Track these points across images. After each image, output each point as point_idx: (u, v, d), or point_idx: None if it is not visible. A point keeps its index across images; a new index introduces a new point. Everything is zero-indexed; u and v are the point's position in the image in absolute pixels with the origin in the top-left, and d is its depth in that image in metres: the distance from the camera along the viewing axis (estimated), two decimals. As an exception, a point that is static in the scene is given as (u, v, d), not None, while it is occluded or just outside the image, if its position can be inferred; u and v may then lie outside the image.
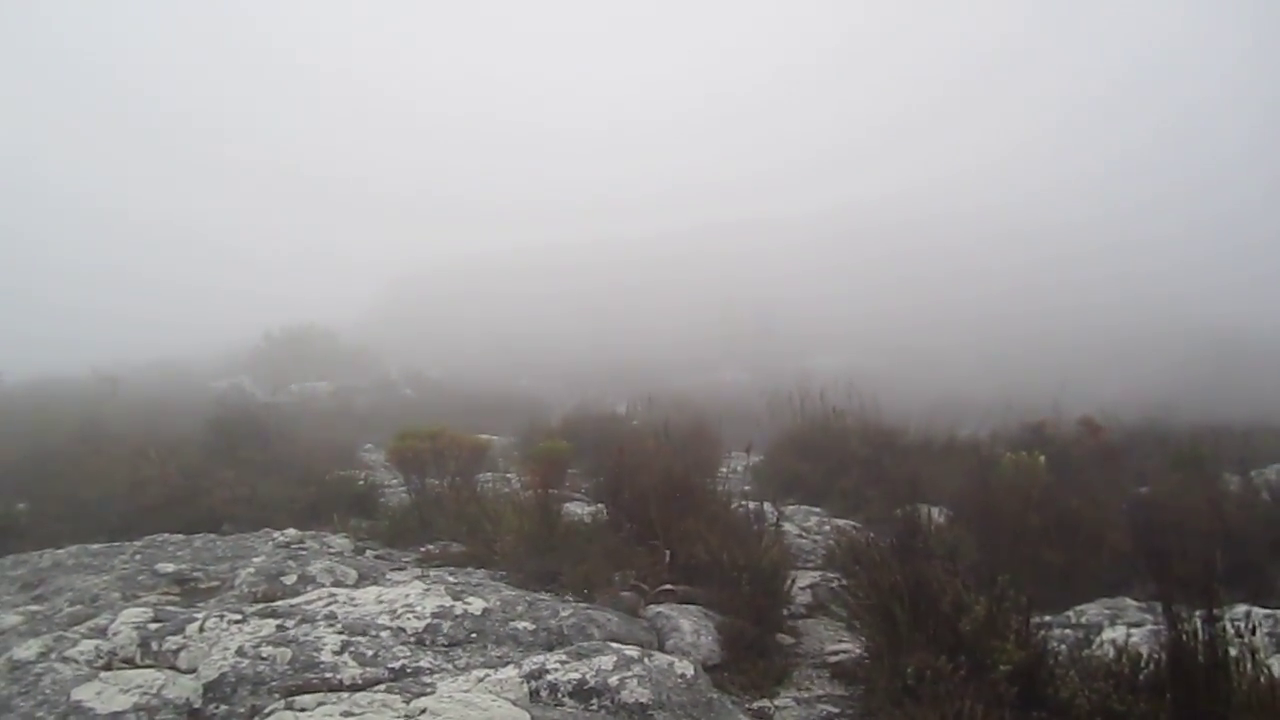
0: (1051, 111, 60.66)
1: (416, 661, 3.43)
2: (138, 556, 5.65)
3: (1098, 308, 30.93)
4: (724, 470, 7.35)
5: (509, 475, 7.46)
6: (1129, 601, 4.46)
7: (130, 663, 3.60)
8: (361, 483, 7.39)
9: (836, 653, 4.24)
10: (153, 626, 3.83)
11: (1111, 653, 3.36)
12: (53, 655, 3.61)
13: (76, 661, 3.56)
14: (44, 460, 8.72)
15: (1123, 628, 3.98)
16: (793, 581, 4.72)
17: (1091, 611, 4.34)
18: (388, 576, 4.89)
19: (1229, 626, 3.08)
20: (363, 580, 4.83)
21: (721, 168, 61.94)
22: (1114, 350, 24.10)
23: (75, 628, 4.01)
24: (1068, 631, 4.05)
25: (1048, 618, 4.20)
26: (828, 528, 6.49)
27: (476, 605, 3.94)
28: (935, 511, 5.94)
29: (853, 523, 6.47)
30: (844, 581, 4.85)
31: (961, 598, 3.52)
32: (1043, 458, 6.41)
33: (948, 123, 64.82)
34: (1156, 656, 3.18)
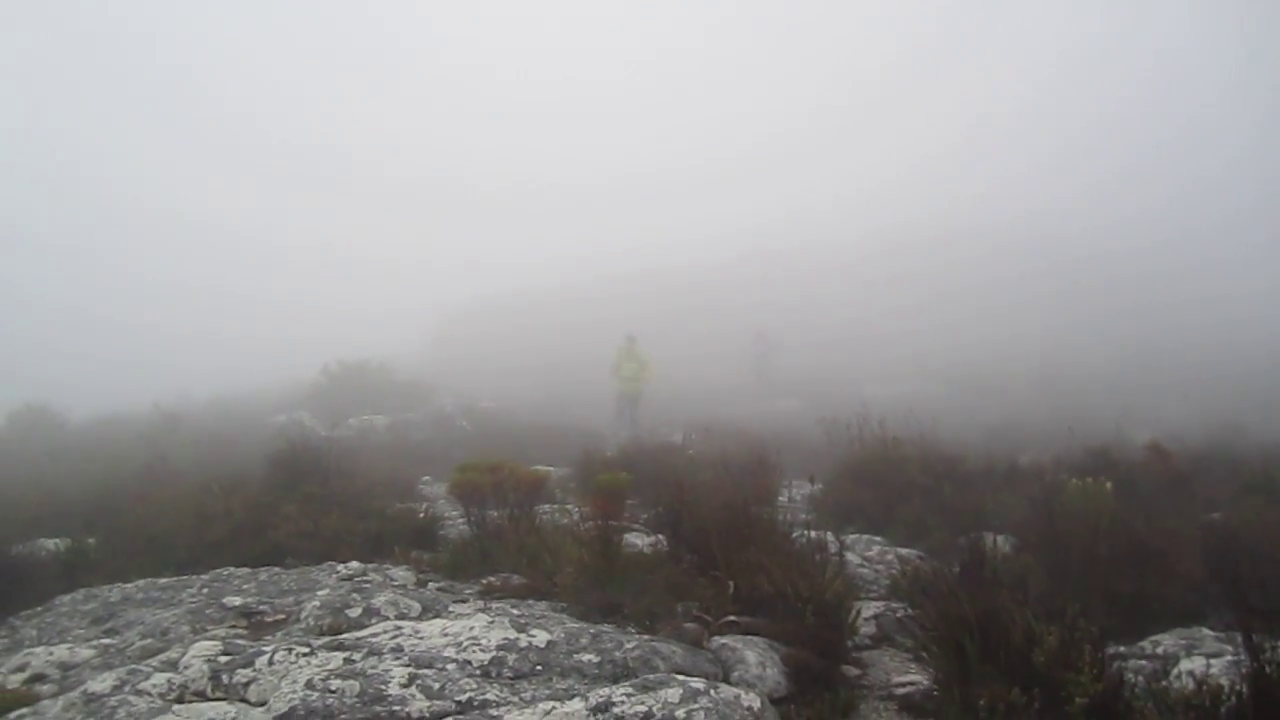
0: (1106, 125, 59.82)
1: (483, 694, 3.44)
2: (205, 590, 5.74)
3: (1157, 327, 30.39)
4: (783, 499, 7.30)
5: (568, 507, 7.48)
6: (1205, 631, 4.34)
7: (202, 695, 3.65)
8: (422, 515, 7.44)
9: (904, 685, 4.18)
10: (223, 659, 3.88)
11: (1190, 685, 3.27)
12: (126, 688, 3.67)
13: (150, 694, 3.61)
14: (111, 495, 8.90)
15: (1200, 659, 3.87)
16: (857, 613, 4.66)
17: (1166, 642, 4.23)
18: (451, 609, 4.91)
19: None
20: (426, 613, 4.84)
21: (770, 201, 61.73)
22: (1176, 371, 23.60)
23: (147, 661, 4.07)
24: (1142, 663, 3.96)
25: (1121, 648, 4.12)
26: (890, 557, 6.41)
27: (541, 638, 3.94)
28: (1000, 540, 5.86)
29: (916, 552, 6.38)
30: (909, 612, 4.79)
31: (1032, 628, 3.46)
32: (1109, 484, 6.29)
33: (994, 145, 64.20)
34: (1239, 689, 3.10)
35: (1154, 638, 4.30)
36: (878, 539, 6.92)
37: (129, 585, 6.13)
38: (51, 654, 4.54)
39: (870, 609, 5.19)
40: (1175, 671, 3.72)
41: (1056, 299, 36.05)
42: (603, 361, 22.93)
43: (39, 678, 4.31)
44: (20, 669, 4.40)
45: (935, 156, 62.99)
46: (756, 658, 3.99)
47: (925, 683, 4.01)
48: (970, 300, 37.00)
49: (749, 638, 4.26)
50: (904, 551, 6.43)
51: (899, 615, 4.98)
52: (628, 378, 19.63)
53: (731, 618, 4.52)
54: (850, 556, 6.01)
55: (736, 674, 3.89)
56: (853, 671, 4.38)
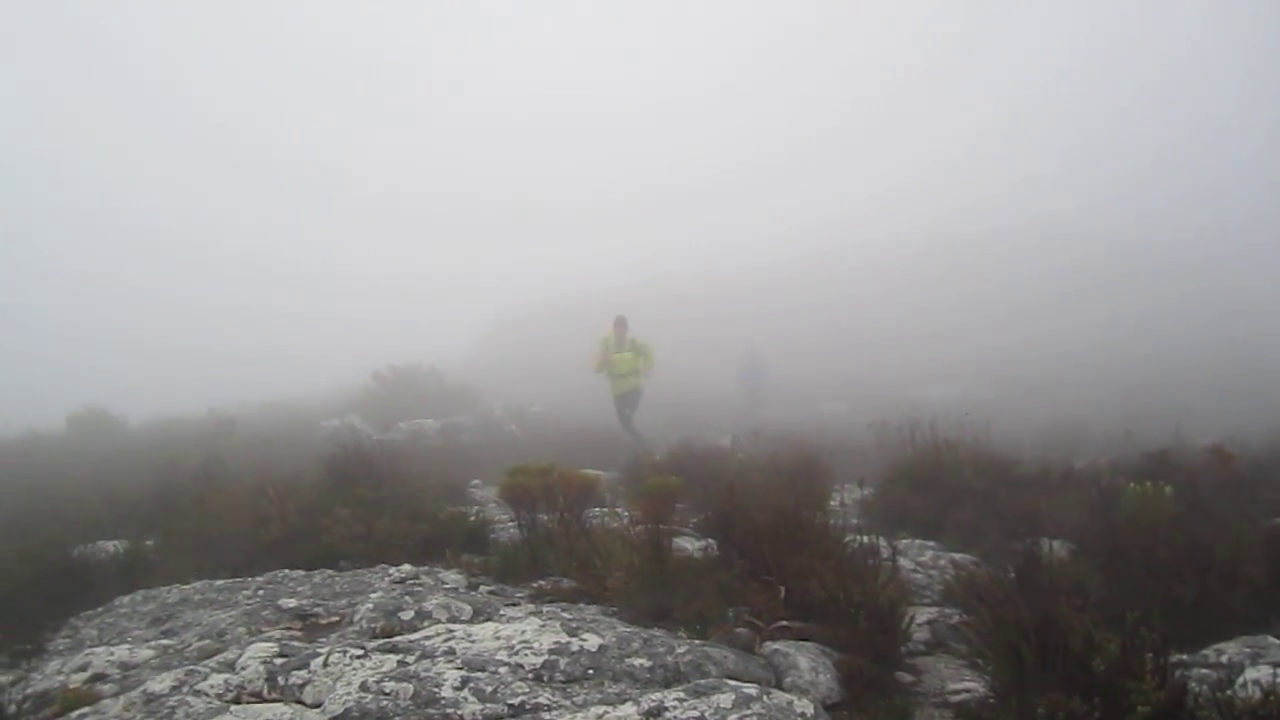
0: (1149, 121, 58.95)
1: (535, 698, 3.44)
2: (260, 592, 5.80)
3: (1214, 327, 29.82)
4: (833, 504, 7.25)
5: (618, 511, 7.47)
6: (1271, 640, 4.23)
7: (258, 696, 3.69)
8: (472, 519, 7.48)
9: (959, 691, 4.12)
10: (279, 661, 3.92)
11: (1257, 694, 3.19)
12: (185, 689, 3.72)
13: (208, 695, 3.66)
14: (168, 498, 9.04)
15: (1267, 667, 3.77)
16: (911, 618, 4.61)
17: (1231, 650, 4.13)
18: (502, 612, 4.93)
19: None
20: (478, 616, 4.87)
21: (820, 199, 61.58)
22: (1235, 373, 23.11)
23: (205, 662, 4.13)
24: (1206, 671, 3.86)
25: (1184, 656, 4.03)
26: (943, 562, 6.34)
27: (592, 642, 3.94)
28: (1056, 545, 5.77)
29: (969, 557, 6.30)
30: (964, 618, 4.73)
31: (1092, 635, 3.39)
32: (1169, 488, 6.17)
33: (1040, 133, 63.49)
34: (1308, 698, 3.02)
35: (1217, 646, 4.20)
36: (930, 544, 6.84)
37: (186, 587, 6.22)
38: (112, 654, 4.61)
39: (924, 614, 5.13)
40: (1240, 680, 3.62)
41: (1095, 296, 35.54)
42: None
43: (100, 677, 4.38)
44: (82, 668, 4.48)
45: (955, 158, 62.65)
46: (809, 663, 3.96)
47: (981, 690, 3.95)
48: (1010, 299, 36.62)
49: (801, 643, 4.23)
50: (957, 557, 6.35)
51: (953, 621, 4.92)
52: (622, 373, 15.75)
53: (783, 623, 4.49)
54: (903, 561, 5.94)
55: (789, 680, 3.86)
56: (906, 678, 4.33)
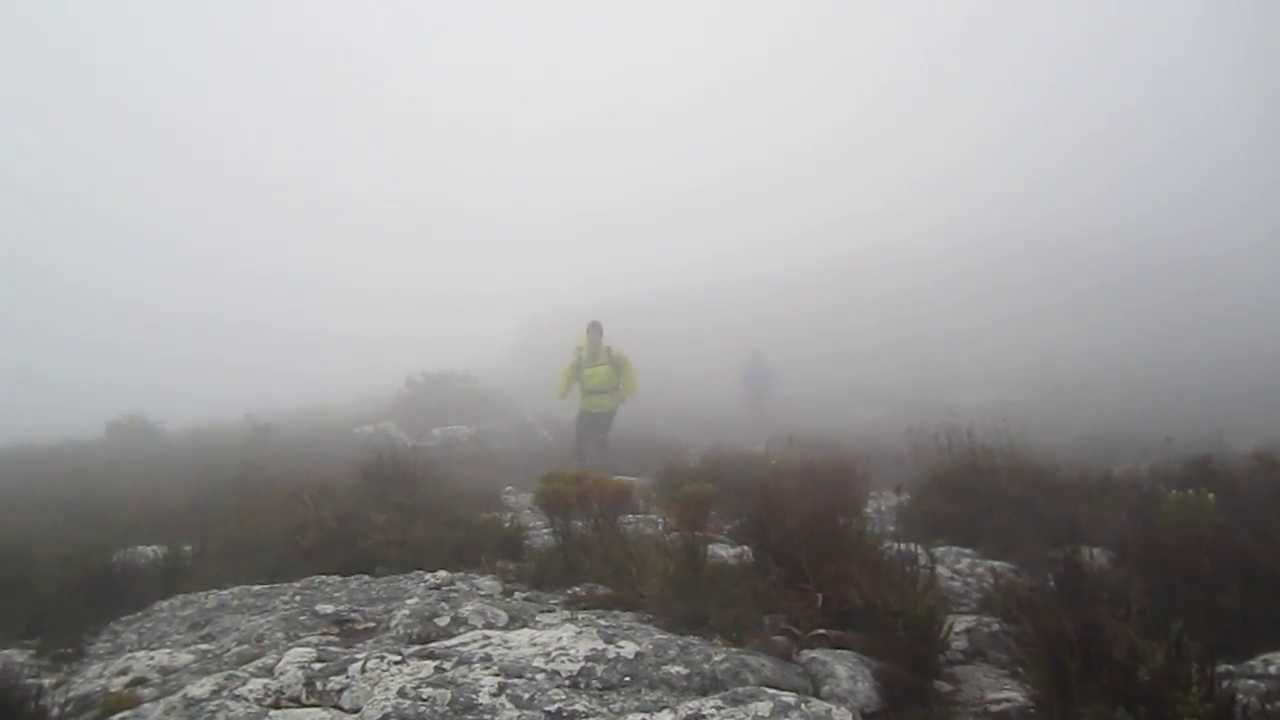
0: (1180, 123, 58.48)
1: (572, 705, 3.43)
2: (297, 598, 5.84)
3: (1254, 331, 29.40)
4: (869, 510, 7.20)
5: (652, 517, 7.46)
6: (1320, 650, 4.16)
7: (297, 701, 3.71)
8: (507, 525, 7.49)
9: (999, 701, 4.07)
10: (316, 666, 3.95)
11: (1307, 706, 3.14)
12: (224, 693, 3.74)
13: (247, 700, 3.68)
14: (206, 503, 9.13)
15: (1316, 678, 3.71)
16: (950, 627, 4.56)
17: (1279, 661, 4.07)
18: (537, 619, 4.93)
19: None
20: (513, 622, 4.87)
21: (837, 203, 61.48)
22: (1274, 374, 22.74)
23: (244, 666, 4.16)
24: (1253, 682, 3.80)
25: (1230, 667, 3.96)
26: (980, 570, 6.27)
27: (629, 649, 3.93)
28: (1096, 553, 5.70)
29: (1008, 565, 6.23)
30: (1004, 626, 4.68)
31: (1136, 644, 3.35)
32: (1211, 496, 6.07)
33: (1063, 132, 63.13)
34: (1359, 710, 2.96)
35: (1265, 656, 4.13)
36: (967, 551, 6.77)
37: (224, 592, 6.28)
38: (152, 658, 4.66)
39: (962, 623, 5.08)
40: (1289, 691, 3.56)
41: (1120, 296, 35.17)
42: (685, 374, 22.70)
43: (140, 681, 4.43)
44: (123, 672, 4.53)
45: (972, 158, 62.43)
46: (847, 672, 3.93)
47: (1021, 699, 3.90)
48: (1038, 300, 36.31)
49: (839, 651, 4.20)
50: (995, 564, 6.29)
51: (992, 629, 4.87)
52: (594, 389, 13.68)
53: (820, 631, 4.46)
54: (940, 569, 5.89)
55: (827, 688, 3.84)
56: (945, 687, 4.28)
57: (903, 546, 5.04)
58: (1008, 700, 4.03)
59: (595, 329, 13.71)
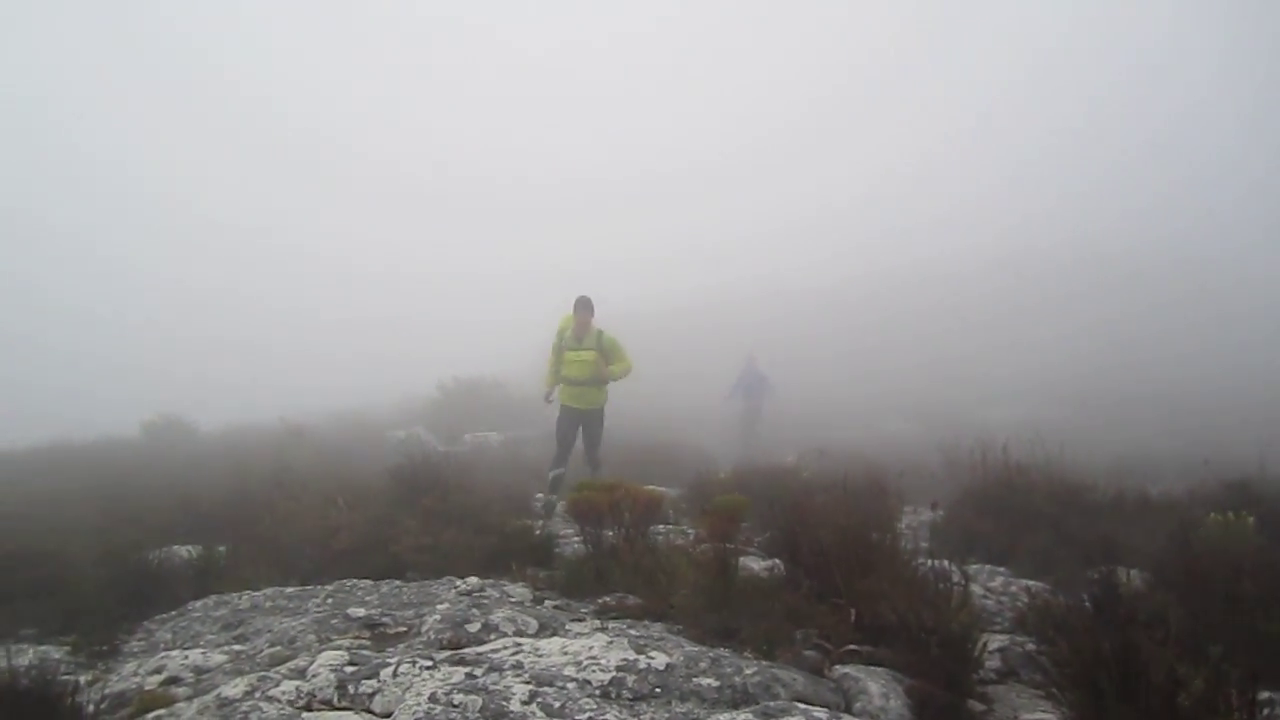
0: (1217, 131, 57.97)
1: (603, 714, 3.43)
2: (329, 601, 5.88)
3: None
4: (902, 526, 7.15)
5: (683, 528, 7.45)
6: (1364, 679, 4.08)
7: (329, 704, 3.73)
8: (538, 533, 7.51)
9: (1032, 722, 4.03)
10: (348, 670, 3.96)
11: (1351, 735, 3.08)
12: (257, 694, 3.77)
13: (279, 701, 3.71)
14: (240, 505, 9.20)
15: (1360, 708, 3.64)
16: (984, 645, 4.52)
17: (1321, 688, 3.99)
18: (568, 627, 4.93)
19: None
20: (543, 630, 4.87)
21: (886, 215, 61.30)
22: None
23: (276, 668, 4.19)
24: (1294, 710, 3.73)
25: (1270, 694, 3.89)
26: (1014, 589, 6.21)
27: (660, 660, 3.92)
28: (1133, 574, 5.63)
29: (1042, 585, 6.17)
30: (1038, 647, 4.63)
31: (1175, 668, 3.30)
32: (1251, 519, 5.99)
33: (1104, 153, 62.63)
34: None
35: (1308, 683, 4.06)
36: (1001, 570, 6.71)
37: (257, 593, 6.32)
38: (186, 658, 4.70)
39: (995, 642, 5.02)
40: (1332, 720, 3.50)
41: (1152, 312, 34.80)
42: (717, 383, 22.50)
43: (175, 680, 4.47)
44: (157, 671, 4.57)
45: (1008, 176, 62.13)
46: (879, 688, 3.90)
47: (1055, 721, 3.86)
48: (1073, 315, 35.99)
49: (871, 668, 4.17)
50: (1030, 584, 6.22)
51: (1027, 650, 4.82)
52: (579, 379, 10.88)
53: (853, 646, 4.43)
54: (973, 587, 5.84)
55: (859, 705, 3.81)
56: (978, 707, 4.23)
57: (936, 563, 4.99)
58: (1042, 722, 3.99)
59: (584, 305, 10.89)
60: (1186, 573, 5.30)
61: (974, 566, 6.66)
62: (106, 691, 4.34)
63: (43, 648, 5.40)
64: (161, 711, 3.80)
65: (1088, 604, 4.67)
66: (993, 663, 4.83)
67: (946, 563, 4.98)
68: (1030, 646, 4.83)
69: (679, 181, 75.84)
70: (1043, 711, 4.11)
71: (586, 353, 10.81)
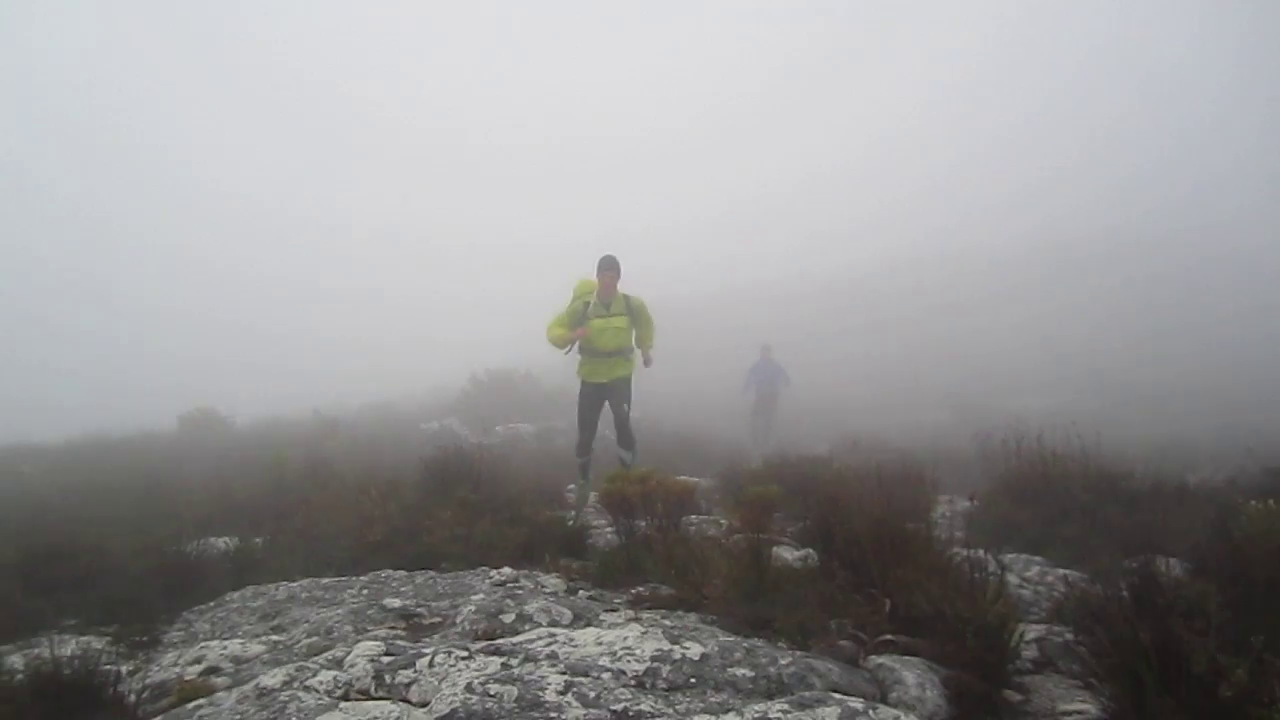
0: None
1: (638, 705, 3.43)
2: (365, 591, 5.92)
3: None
4: (935, 516, 7.11)
5: (716, 518, 7.44)
6: None
7: (366, 694, 3.76)
8: (570, 524, 7.53)
9: (1071, 713, 3.99)
10: (385, 660, 3.99)
11: (1398, 727, 3.03)
12: (295, 684, 3.80)
13: (317, 691, 3.73)
14: (276, 497, 9.29)
15: (1406, 699, 3.58)
16: (1020, 635, 4.48)
17: (1367, 679, 3.93)
18: (601, 618, 4.94)
19: None
20: (577, 620, 4.89)
21: (915, 201, 60.93)
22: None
23: (314, 658, 4.22)
24: (1339, 701, 3.67)
25: (1313, 685, 3.84)
26: (1050, 579, 6.16)
27: (694, 650, 3.92)
28: (1171, 564, 5.57)
29: (1079, 574, 6.11)
30: (1075, 637, 4.59)
31: (1216, 659, 3.26)
32: (1293, 507, 5.89)
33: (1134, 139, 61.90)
34: None
35: (1350, 674, 4.00)
36: (1037, 559, 6.65)
37: (294, 584, 6.39)
38: (225, 648, 4.75)
39: (1032, 632, 4.99)
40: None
41: (1195, 303, 34.32)
42: (736, 371, 22.32)
43: (214, 670, 4.52)
44: (197, 661, 4.63)
45: (1048, 165, 61.53)
46: (915, 679, 3.88)
47: (1094, 712, 3.82)
48: (1108, 303, 35.61)
49: (906, 658, 4.15)
50: (1067, 573, 6.17)
51: (1064, 640, 4.78)
52: (604, 350, 9.71)
53: (888, 637, 4.40)
54: (1009, 577, 5.79)
55: (895, 695, 3.79)
56: (1015, 697, 4.20)
57: (971, 553, 4.96)
58: (1080, 712, 3.95)
59: (610, 265, 9.64)
60: (1227, 561, 5.23)
61: (1009, 556, 6.61)
62: (147, 681, 4.40)
63: (84, 638, 5.48)
64: (201, 701, 3.84)
65: (1126, 593, 4.62)
66: (1029, 653, 4.79)
67: (982, 552, 4.94)
68: (1068, 636, 4.80)
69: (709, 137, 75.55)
70: (1081, 702, 4.07)
71: (618, 319, 9.65)
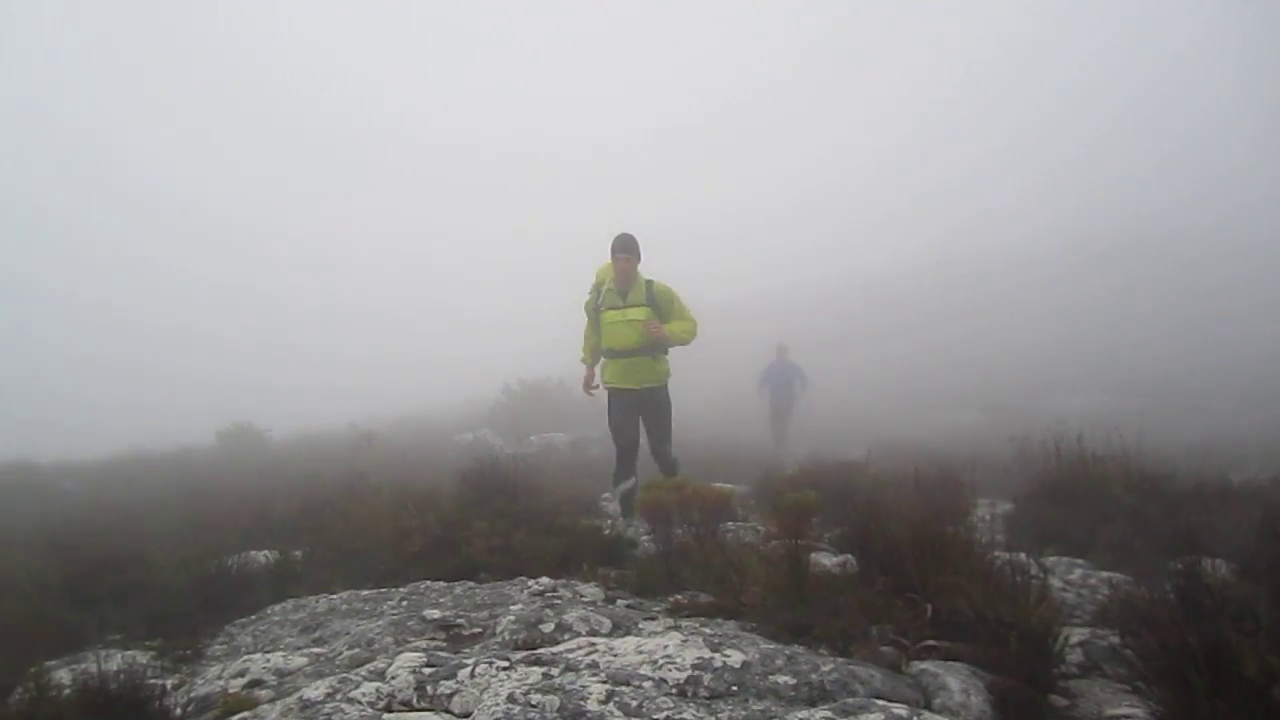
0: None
1: (680, 713, 3.42)
2: (404, 603, 5.94)
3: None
4: (975, 519, 7.05)
5: (754, 525, 7.41)
6: None
7: (408, 705, 3.77)
8: (607, 533, 7.53)
9: (1118, 717, 3.94)
10: (427, 671, 4.00)
11: None
12: (338, 696, 3.82)
13: (360, 703, 3.75)
14: (314, 510, 9.36)
15: None
16: (1065, 639, 4.43)
17: None
18: (640, 626, 4.94)
19: None
20: (616, 630, 4.88)
21: (952, 199, 60.68)
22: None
23: (356, 670, 4.24)
24: (1393, 703, 3.60)
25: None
26: (1093, 581, 6.08)
27: (735, 658, 3.90)
28: (1218, 565, 5.49)
29: (1122, 576, 6.04)
30: (1121, 640, 4.53)
31: (1268, 661, 3.20)
32: (1341, 506, 5.80)
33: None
34: None
35: (1406, 676, 3.92)
36: (1079, 562, 6.57)
37: (334, 597, 6.42)
38: (268, 661, 4.79)
39: (1076, 636, 4.93)
40: None
41: (1233, 299, 33.85)
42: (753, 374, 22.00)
43: (257, 683, 4.55)
44: (240, 674, 4.66)
45: (1079, 159, 61.04)
46: (959, 684, 3.84)
47: (1142, 716, 3.77)
48: (1146, 302, 35.23)
49: (949, 663, 4.11)
50: (1109, 576, 6.09)
51: (1109, 643, 4.72)
52: (625, 349, 8.49)
53: (930, 642, 4.37)
54: (1051, 580, 5.73)
55: (939, 701, 3.75)
56: (1061, 702, 4.15)
57: (1012, 556, 4.91)
58: (1127, 717, 3.90)
59: (625, 245, 8.09)
60: (1275, 561, 5.16)
61: (1051, 559, 6.54)
62: (192, 694, 4.44)
63: (129, 652, 5.54)
64: (246, 714, 3.87)
65: (1172, 595, 4.56)
66: (1074, 657, 4.74)
67: (1023, 555, 4.89)
68: (1113, 640, 4.74)
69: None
70: (1128, 706, 4.02)
71: (635, 310, 8.19)
